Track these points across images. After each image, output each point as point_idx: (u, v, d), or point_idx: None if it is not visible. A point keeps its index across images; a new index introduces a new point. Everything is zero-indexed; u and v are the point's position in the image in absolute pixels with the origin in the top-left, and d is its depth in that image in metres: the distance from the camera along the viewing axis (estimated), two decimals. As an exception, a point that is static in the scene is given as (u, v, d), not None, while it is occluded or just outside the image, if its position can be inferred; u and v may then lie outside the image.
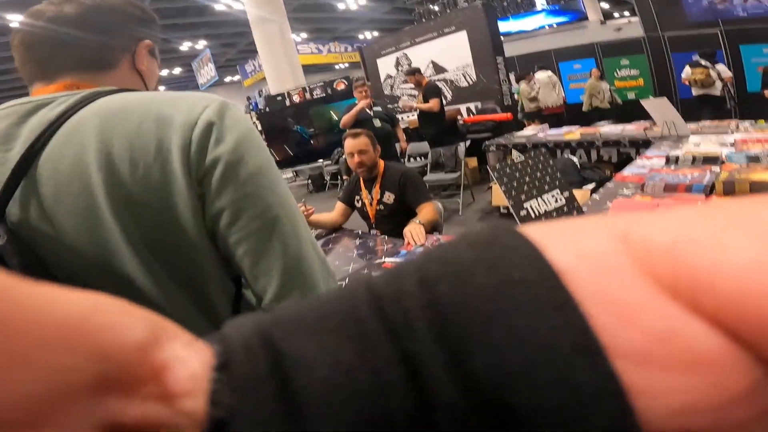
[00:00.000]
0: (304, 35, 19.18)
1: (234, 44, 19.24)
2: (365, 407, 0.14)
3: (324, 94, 10.05)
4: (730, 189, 2.16)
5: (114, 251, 0.71)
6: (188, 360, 0.16)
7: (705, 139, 3.52)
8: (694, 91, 7.07)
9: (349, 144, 2.83)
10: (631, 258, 0.15)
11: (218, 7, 12.90)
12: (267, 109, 10.25)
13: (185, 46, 17.61)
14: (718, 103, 6.94)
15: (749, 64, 8.07)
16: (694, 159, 2.86)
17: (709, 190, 2.26)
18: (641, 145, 4.25)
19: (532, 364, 0.14)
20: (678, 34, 8.83)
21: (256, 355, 0.15)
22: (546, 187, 2.00)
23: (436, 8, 12.08)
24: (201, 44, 17.66)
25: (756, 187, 2.11)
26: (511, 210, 1.92)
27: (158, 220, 0.70)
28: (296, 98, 10.06)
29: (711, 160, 2.80)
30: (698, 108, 6.84)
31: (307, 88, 10.15)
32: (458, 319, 0.15)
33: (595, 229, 0.17)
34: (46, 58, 0.78)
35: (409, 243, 2.38)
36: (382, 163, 2.93)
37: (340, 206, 3.02)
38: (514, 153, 1.73)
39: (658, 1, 8.76)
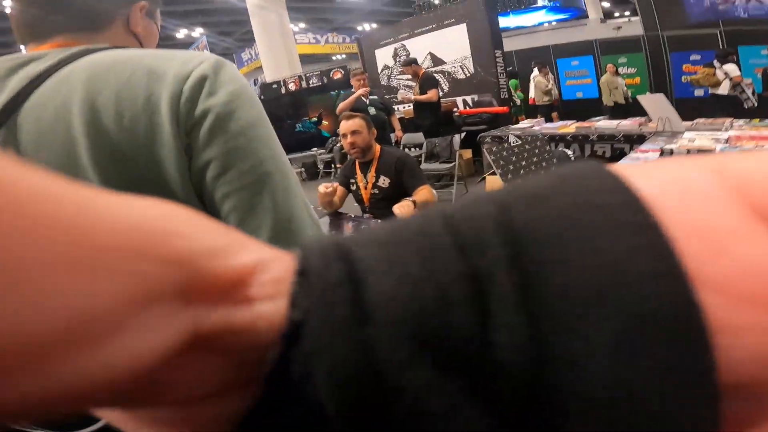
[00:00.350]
0: (302, 25, 19.07)
1: (231, 33, 19.14)
2: (426, 321, 0.14)
3: (320, 83, 9.99)
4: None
5: None
6: (270, 265, 0.16)
7: (699, 136, 3.55)
8: (697, 92, 7.07)
9: (344, 125, 2.84)
10: (726, 187, 0.14)
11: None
12: (262, 97, 10.20)
13: (181, 34, 17.49)
14: (728, 103, 6.67)
15: (747, 65, 7.98)
16: (688, 152, 2.87)
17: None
18: (635, 141, 4.27)
19: (606, 286, 0.13)
20: (677, 33, 8.76)
21: (333, 261, 0.15)
22: (542, 172, 2.02)
23: (437, 1, 12.02)
24: (198, 32, 17.55)
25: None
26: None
27: (143, 174, 0.68)
28: (292, 86, 10.00)
29: (705, 153, 2.82)
30: (699, 107, 6.69)
31: (303, 77, 10.10)
32: (533, 239, 0.14)
33: (683, 163, 0.16)
34: (36, 20, 0.77)
35: None
36: (378, 147, 2.93)
37: (337, 189, 3.01)
38: (512, 137, 1.73)
39: (660, 1, 8.68)
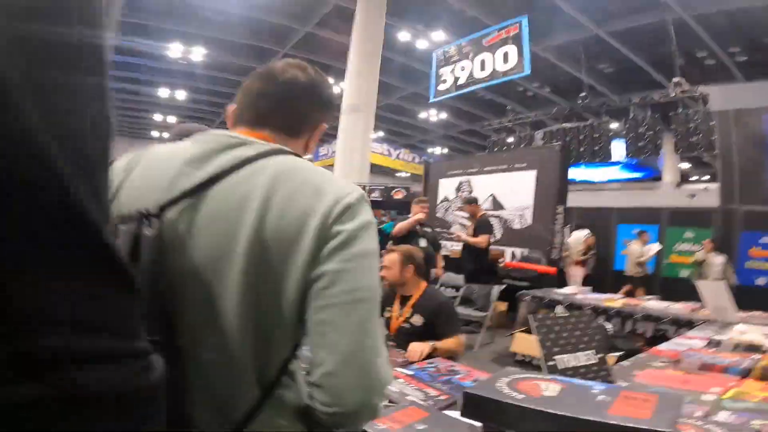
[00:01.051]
0: (380, 134, 19.67)
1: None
2: None
3: (381, 198, 10.23)
4: (767, 375, 2.11)
5: (227, 281, 0.82)
6: None
7: (752, 329, 3.41)
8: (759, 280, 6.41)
9: (384, 255, 2.90)
10: None
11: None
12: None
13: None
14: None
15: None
16: (736, 346, 2.77)
17: (746, 374, 2.20)
18: (682, 325, 4.11)
19: None
20: (753, 209, 7.70)
21: None
22: (581, 346, 1.99)
23: (511, 140, 11.77)
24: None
25: (795, 377, 2.05)
26: (541, 358, 1.90)
27: (276, 269, 0.82)
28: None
29: (753, 348, 2.72)
30: (760, 297, 5.78)
31: (367, 188, 10.21)
32: None
33: None
34: (265, 111, 0.98)
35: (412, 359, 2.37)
36: (423, 285, 2.98)
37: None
38: (559, 308, 1.74)
39: (744, 169, 7.76)
